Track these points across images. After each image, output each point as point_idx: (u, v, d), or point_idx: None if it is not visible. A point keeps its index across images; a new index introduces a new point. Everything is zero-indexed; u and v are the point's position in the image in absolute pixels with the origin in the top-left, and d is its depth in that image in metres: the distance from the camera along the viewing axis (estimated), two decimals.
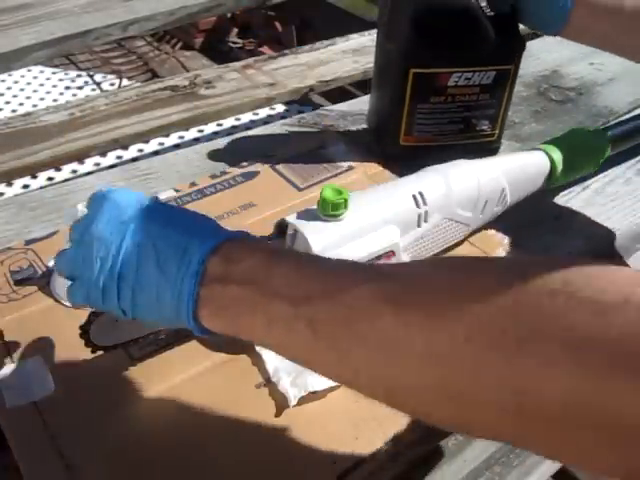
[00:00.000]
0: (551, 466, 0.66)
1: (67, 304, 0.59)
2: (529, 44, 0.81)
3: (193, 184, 0.76)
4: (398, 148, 0.81)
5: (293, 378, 0.53)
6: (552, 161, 0.75)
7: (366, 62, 1.22)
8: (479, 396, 0.29)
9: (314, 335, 0.33)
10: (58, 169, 1.90)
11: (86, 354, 0.51)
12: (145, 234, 0.39)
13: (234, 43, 2.80)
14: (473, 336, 0.28)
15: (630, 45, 0.66)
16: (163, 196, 0.74)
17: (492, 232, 0.72)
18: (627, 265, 0.72)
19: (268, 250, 0.38)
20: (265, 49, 2.66)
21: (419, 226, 0.60)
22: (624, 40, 0.65)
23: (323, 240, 0.53)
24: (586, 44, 0.74)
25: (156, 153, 1.98)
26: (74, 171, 1.94)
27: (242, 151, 0.86)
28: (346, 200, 0.54)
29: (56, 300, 0.59)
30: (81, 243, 0.41)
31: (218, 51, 2.74)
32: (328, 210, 0.54)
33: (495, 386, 0.28)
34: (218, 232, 0.40)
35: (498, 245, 0.70)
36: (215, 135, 2.10)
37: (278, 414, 0.52)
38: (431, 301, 0.30)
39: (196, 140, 2.11)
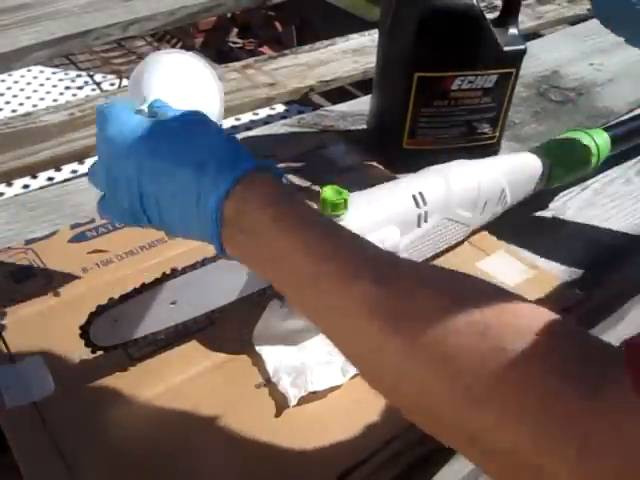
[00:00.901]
0: None
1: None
2: (529, 44, 0.81)
3: None
4: (401, 152, 0.81)
5: (293, 378, 0.53)
6: (552, 161, 0.75)
7: (366, 62, 1.22)
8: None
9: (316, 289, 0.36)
10: (58, 169, 1.89)
11: (86, 354, 0.51)
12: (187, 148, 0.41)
13: (234, 43, 2.79)
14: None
15: None
16: None
17: (492, 232, 0.72)
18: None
19: (284, 191, 0.40)
20: (265, 49, 2.66)
21: (419, 226, 0.60)
22: None
23: None
24: None
25: None
26: (74, 171, 1.94)
27: None
28: (346, 200, 0.54)
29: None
30: (106, 159, 0.44)
31: (218, 51, 2.74)
32: (328, 210, 0.54)
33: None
34: (248, 157, 0.41)
35: (498, 246, 0.70)
36: None
37: (278, 414, 0.52)
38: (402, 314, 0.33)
39: None
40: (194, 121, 0.44)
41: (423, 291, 0.33)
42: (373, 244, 0.38)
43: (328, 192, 0.54)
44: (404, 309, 0.33)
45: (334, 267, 0.35)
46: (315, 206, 0.56)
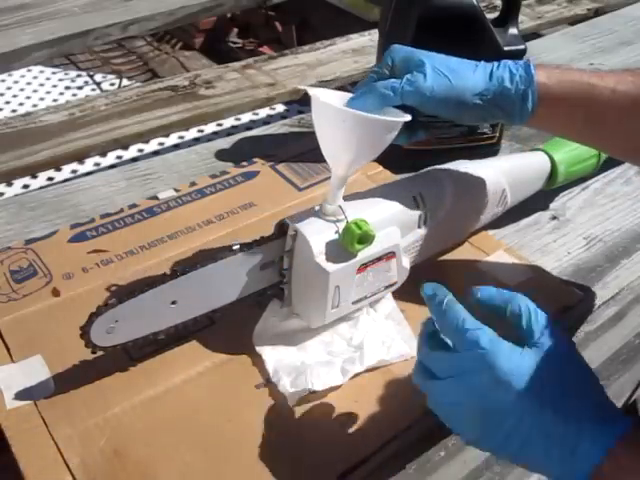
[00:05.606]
0: None
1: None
2: (529, 44, 0.81)
3: (193, 184, 0.76)
4: (401, 152, 0.81)
5: (293, 378, 0.53)
6: (553, 161, 0.75)
7: (366, 62, 1.22)
8: None
9: None
10: (58, 169, 1.90)
11: (86, 354, 0.51)
12: (539, 426, 0.40)
13: (234, 43, 2.80)
14: None
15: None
16: (163, 196, 0.74)
17: (492, 233, 0.72)
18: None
19: None
20: (265, 49, 2.66)
21: (419, 227, 0.60)
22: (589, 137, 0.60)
23: (323, 241, 0.53)
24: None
25: (156, 153, 1.98)
26: (74, 171, 1.94)
27: (242, 151, 0.86)
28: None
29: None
30: (456, 393, 0.42)
31: (218, 51, 2.74)
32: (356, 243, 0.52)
33: None
34: (608, 427, 0.40)
35: (498, 246, 0.70)
36: (215, 135, 2.10)
37: (278, 414, 0.52)
38: None
39: (196, 140, 2.12)
40: (578, 365, 0.43)
41: None
42: None
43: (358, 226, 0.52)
44: None
45: None
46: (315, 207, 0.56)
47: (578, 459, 0.40)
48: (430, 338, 0.45)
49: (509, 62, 0.56)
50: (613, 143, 0.58)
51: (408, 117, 0.53)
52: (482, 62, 0.56)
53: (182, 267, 0.52)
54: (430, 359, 0.44)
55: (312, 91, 0.51)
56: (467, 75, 0.55)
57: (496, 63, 0.56)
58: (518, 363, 0.41)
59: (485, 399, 0.41)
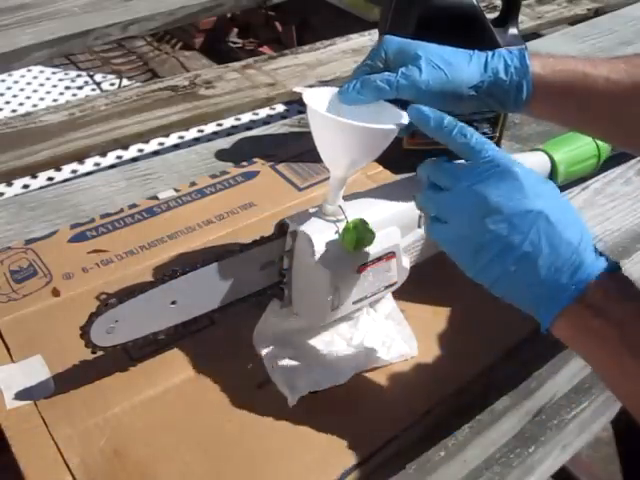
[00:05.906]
0: (551, 466, 0.66)
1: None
2: (529, 44, 0.81)
3: (193, 184, 0.76)
4: (401, 152, 0.81)
5: (293, 378, 0.53)
6: (553, 161, 0.75)
7: None
8: None
9: None
10: (58, 169, 1.89)
11: (86, 354, 0.51)
12: (546, 234, 0.42)
13: (234, 43, 2.80)
14: None
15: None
16: (163, 196, 0.74)
17: None
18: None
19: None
20: (265, 49, 2.66)
21: (419, 227, 0.60)
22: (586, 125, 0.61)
23: (324, 240, 0.53)
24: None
25: (156, 153, 1.98)
26: (74, 171, 1.94)
27: (242, 151, 0.86)
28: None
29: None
30: (466, 197, 0.44)
31: (218, 51, 2.74)
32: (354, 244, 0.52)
33: None
34: (600, 262, 0.43)
35: None
36: (215, 135, 2.09)
37: (278, 414, 0.52)
38: None
39: (196, 140, 2.11)
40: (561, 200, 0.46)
41: None
42: None
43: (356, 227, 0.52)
44: None
45: None
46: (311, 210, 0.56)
47: (573, 276, 0.41)
48: (435, 161, 0.49)
49: (504, 52, 0.55)
50: (607, 131, 0.59)
51: (405, 120, 0.52)
52: (476, 52, 0.55)
53: (182, 267, 0.52)
54: (440, 171, 0.47)
55: (307, 96, 0.51)
56: (462, 67, 0.54)
57: (490, 53, 0.55)
58: (533, 175, 0.44)
59: (499, 199, 0.43)
